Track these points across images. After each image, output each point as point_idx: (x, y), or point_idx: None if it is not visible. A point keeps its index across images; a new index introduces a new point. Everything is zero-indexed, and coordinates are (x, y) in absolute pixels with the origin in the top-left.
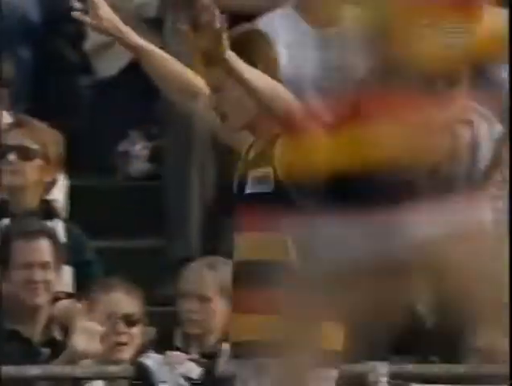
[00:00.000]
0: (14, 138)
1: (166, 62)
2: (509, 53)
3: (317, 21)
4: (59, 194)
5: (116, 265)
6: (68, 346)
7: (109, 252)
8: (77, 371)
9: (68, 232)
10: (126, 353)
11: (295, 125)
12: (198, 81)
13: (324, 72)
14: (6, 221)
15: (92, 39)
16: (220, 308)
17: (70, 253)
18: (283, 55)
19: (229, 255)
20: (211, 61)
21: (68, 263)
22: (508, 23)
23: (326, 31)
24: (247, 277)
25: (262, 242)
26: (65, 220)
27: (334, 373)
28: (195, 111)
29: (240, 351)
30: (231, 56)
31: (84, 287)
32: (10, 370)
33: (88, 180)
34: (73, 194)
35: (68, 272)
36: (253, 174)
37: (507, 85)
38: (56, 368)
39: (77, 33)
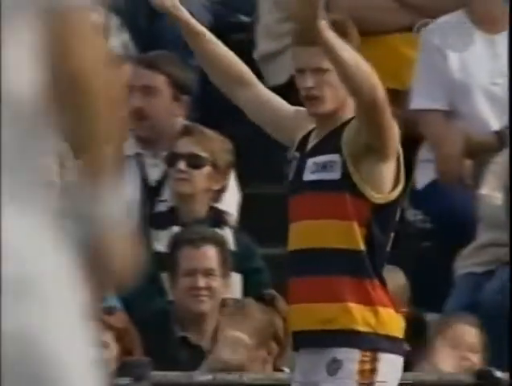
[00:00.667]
0: (184, 146)
1: (218, 48)
2: (508, 53)
3: (488, 27)
4: (230, 202)
5: (283, 273)
6: (212, 354)
7: (277, 259)
8: (246, 377)
9: (237, 239)
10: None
11: (377, 107)
12: (248, 71)
13: (492, 78)
14: (176, 229)
15: (261, 48)
16: None
17: (239, 261)
18: (453, 59)
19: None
20: (305, 32)
21: (237, 270)
22: (508, 24)
23: (496, 37)
24: (308, 266)
25: (327, 229)
26: (234, 228)
27: (395, 358)
28: (241, 100)
29: (302, 340)
30: (324, 26)
31: (252, 294)
32: (179, 376)
33: (255, 188)
34: (241, 201)
35: (237, 279)
36: (317, 160)
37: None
38: (225, 375)
39: (246, 42)
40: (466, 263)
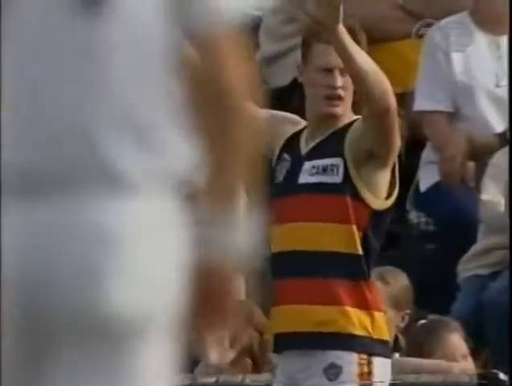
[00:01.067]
0: None
1: None
2: (508, 51)
3: (492, 28)
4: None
5: None
6: (201, 359)
7: None
8: (249, 379)
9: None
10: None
11: (389, 116)
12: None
13: (497, 80)
14: None
15: (264, 50)
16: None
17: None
18: (457, 60)
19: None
20: (321, 33)
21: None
22: (508, 24)
23: (500, 39)
24: (303, 268)
25: (326, 232)
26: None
27: (387, 362)
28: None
29: (293, 342)
30: (341, 29)
31: (256, 296)
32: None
33: None
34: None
35: (240, 280)
36: (316, 163)
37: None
38: (228, 377)
39: (250, 43)
40: (471, 265)
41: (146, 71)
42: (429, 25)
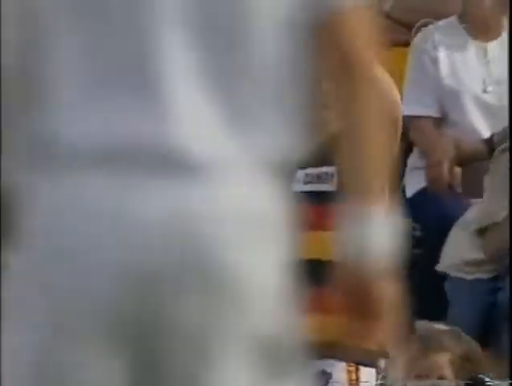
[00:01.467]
0: None
1: None
2: (508, 50)
3: (480, 34)
4: None
5: None
6: None
7: None
8: None
9: None
10: None
11: (396, 120)
12: None
13: (484, 86)
14: None
15: None
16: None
17: None
18: (444, 65)
19: None
20: None
21: None
22: (508, 24)
23: (488, 44)
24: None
25: (322, 241)
26: None
27: (373, 371)
28: None
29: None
30: None
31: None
32: None
33: None
34: None
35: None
36: (309, 171)
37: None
38: None
39: None
40: (471, 269)
41: (269, 45)
42: (428, 24)
